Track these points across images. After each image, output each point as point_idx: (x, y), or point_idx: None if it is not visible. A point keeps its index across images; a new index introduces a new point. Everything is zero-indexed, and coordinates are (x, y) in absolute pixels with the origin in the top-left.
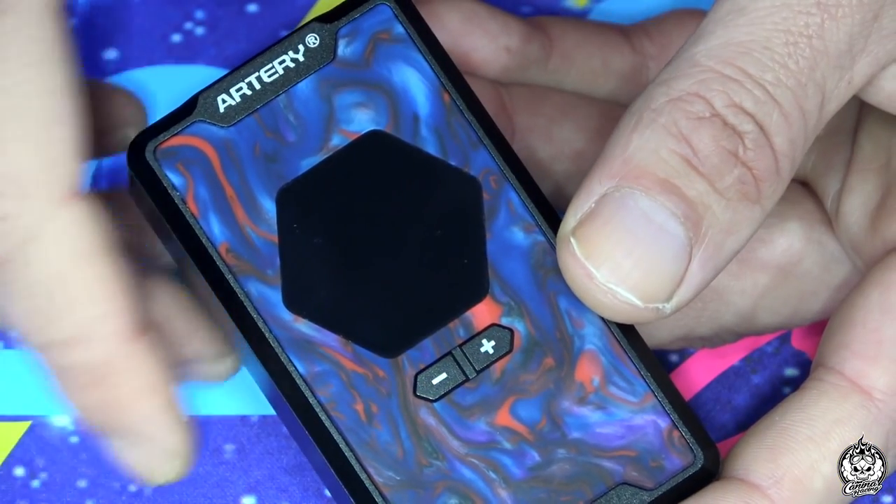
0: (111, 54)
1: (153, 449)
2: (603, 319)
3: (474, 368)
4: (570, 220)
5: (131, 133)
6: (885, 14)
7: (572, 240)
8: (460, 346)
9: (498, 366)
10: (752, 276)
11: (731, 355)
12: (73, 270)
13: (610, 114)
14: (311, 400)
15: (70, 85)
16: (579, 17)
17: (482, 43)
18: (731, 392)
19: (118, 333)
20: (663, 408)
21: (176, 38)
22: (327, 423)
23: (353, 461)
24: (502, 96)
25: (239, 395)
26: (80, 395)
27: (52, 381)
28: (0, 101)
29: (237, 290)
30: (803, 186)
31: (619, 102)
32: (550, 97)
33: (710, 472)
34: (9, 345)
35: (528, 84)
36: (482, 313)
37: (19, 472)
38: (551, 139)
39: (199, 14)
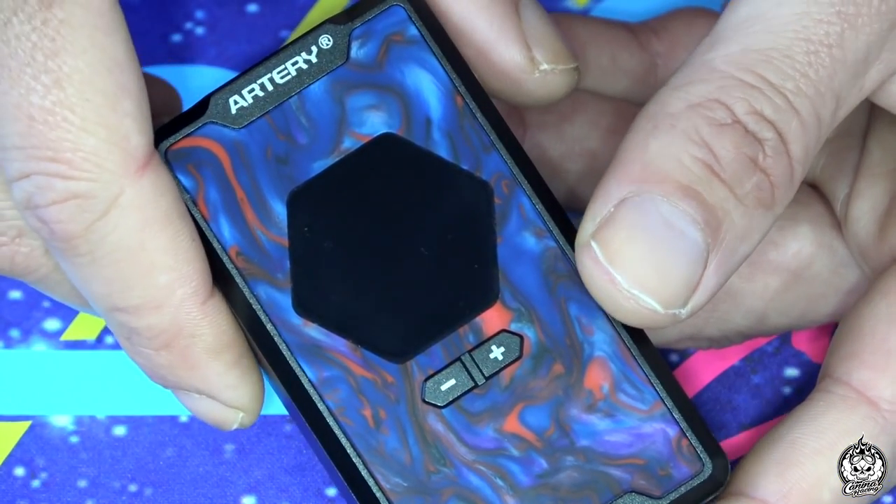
0: None
1: (219, 403)
2: (613, 326)
3: (483, 374)
4: (588, 225)
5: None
6: None
7: (594, 244)
8: (469, 351)
9: (507, 372)
10: (763, 278)
11: (731, 355)
12: (146, 240)
13: (621, 111)
14: (320, 405)
15: (131, 55)
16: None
17: None
18: (731, 392)
19: (189, 297)
20: (672, 416)
21: (176, 38)
22: (335, 429)
23: (360, 467)
24: None
25: None
26: (149, 356)
27: (119, 341)
28: (67, 86)
29: (247, 293)
30: (813, 189)
31: (630, 100)
32: None
33: (718, 481)
34: (9, 345)
35: None
36: (492, 319)
37: (19, 472)
38: (563, 137)
39: (199, 14)
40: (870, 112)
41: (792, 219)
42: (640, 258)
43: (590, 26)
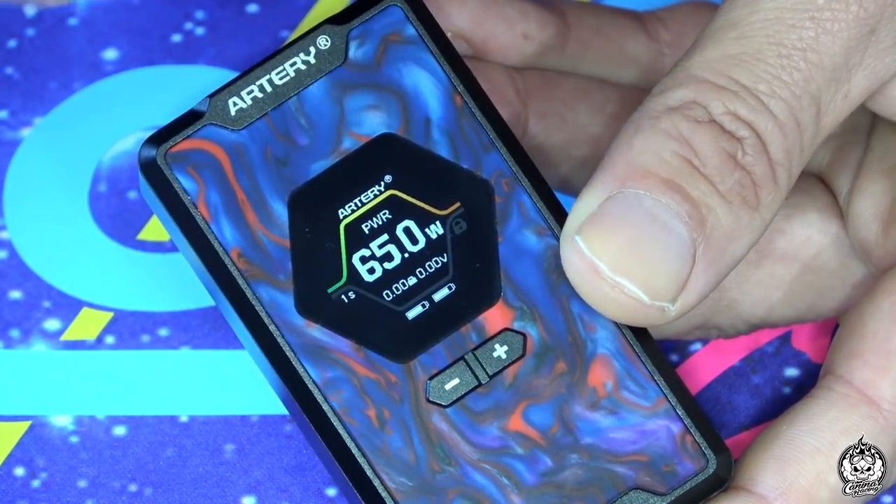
0: (111, 54)
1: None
2: (615, 323)
3: (487, 373)
4: (573, 222)
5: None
6: (881, 28)
7: (577, 238)
8: (473, 350)
9: (510, 370)
10: (770, 266)
11: (731, 355)
12: None
13: (626, 98)
14: (324, 406)
15: None
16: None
17: (500, 30)
18: (731, 392)
19: None
20: (676, 412)
21: (176, 38)
22: (340, 429)
23: (365, 467)
24: (516, 81)
25: (239, 395)
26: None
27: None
28: None
29: (249, 295)
30: (820, 181)
31: (636, 87)
32: (565, 81)
33: (722, 477)
34: (9, 345)
35: (544, 69)
36: (494, 318)
37: (19, 472)
38: (566, 124)
39: (199, 14)
40: None
41: (800, 207)
42: (624, 248)
43: (597, 15)
